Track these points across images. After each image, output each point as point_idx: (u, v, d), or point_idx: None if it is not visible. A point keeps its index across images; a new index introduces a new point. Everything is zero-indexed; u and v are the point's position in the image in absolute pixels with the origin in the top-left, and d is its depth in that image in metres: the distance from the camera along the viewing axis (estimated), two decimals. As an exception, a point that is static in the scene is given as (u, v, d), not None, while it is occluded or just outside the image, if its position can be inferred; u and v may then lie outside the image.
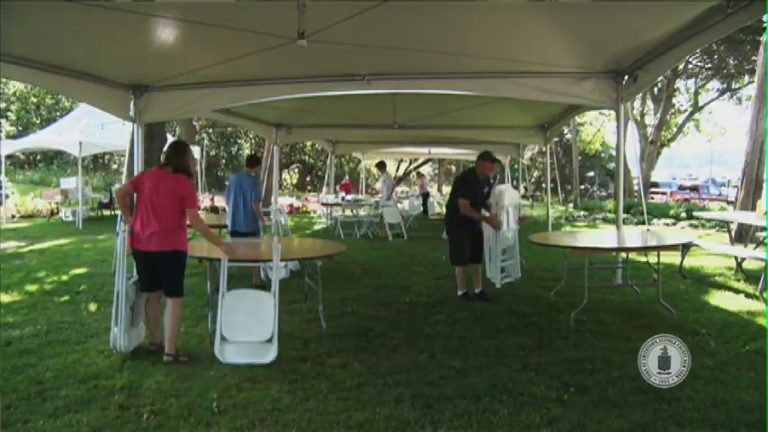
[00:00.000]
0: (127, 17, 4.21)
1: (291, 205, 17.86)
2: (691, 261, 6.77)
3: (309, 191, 31.26)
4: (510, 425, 3.23)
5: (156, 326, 4.48)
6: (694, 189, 28.29)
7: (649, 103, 27.13)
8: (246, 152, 31.57)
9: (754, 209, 10.32)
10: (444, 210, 6.83)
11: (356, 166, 31.77)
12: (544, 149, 11.78)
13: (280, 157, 11.94)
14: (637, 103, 26.03)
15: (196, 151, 17.88)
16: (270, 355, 4.17)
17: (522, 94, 6.12)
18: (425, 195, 17.06)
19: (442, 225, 8.00)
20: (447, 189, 28.16)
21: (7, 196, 14.95)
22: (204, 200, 19.16)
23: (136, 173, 7.28)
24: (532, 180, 31.55)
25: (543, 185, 19.20)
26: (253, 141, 32.15)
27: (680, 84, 25.40)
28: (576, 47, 5.23)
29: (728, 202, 22.14)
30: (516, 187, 21.83)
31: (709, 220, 13.95)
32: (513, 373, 3.99)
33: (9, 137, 22.58)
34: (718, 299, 6.06)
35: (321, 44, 4.44)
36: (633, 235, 6.33)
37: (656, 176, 28.37)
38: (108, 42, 5.10)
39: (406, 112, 9.08)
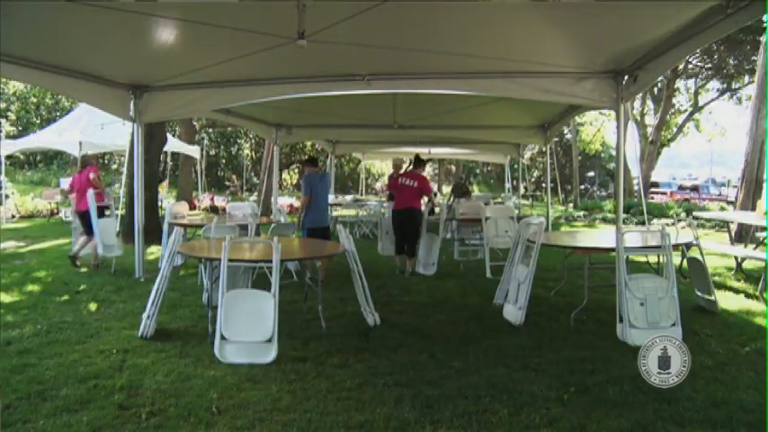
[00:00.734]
0: (127, 17, 4.21)
1: (291, 205, 17.85)
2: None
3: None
4: (510, 425, 3.23)
5: None
6: (694, 189, 28.28)
7: (649, 103, 27.14)
8: (246, 152, 31.57)
9: (754, 209, 10.32)
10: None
11: (356, 166, 31.79)
12: (544, 149, 11.79)
13: (280, 157, 11.93)
14: (637, 103, 26.04)
15: (196, 151, 17.89)
16: (270, 355, 4.17)
17: (522, 94, 6.12)
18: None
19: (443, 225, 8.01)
20: (446, 189, 28.17)
21: (7, 196, 14.94)
22: (204, 200, 19.16)
23: (136, 173, 7.30)
24: (532, 180, 31.56)
25: (543, 185, 19.21)
26: (253, 141, 32.13)
27: (680, 84, 25.43)
28: (576, 47, 5.23)
29: (728, 202, 22.15)
30: (516, 187, 21.83)
31: (708, 220, 13.95)
32: (513, 373, 3.99)
33: (9, 137, 22.56)
34: (718, 299, 6.06)
35: (321, 44, 4.45)
36: (633, 235, 6.33)
37: (656, 176, 28.36)
38: (108, 42, 5.10)
39: (406, 112, 9.08)
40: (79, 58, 5.59)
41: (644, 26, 4.60)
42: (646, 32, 4.72)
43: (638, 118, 26.43)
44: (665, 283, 4.53)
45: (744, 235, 9.40)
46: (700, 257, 5.75)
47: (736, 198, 11.71)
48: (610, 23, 4.61)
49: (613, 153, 28.38)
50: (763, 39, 11.74)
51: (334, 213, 14.04)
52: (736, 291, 6.43)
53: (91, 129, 13.47)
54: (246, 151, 31.83)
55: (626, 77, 5.77)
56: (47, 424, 3.20)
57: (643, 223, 10.74)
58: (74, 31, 4.75)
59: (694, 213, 15.13)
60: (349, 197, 16.35)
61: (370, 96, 7.06)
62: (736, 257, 7.60)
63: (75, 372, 3.97)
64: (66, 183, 16.21)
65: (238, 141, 32.63)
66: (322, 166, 9.54)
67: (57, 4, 3.99)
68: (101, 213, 7.68)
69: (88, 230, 7.78)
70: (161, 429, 3.17)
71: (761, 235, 8.36)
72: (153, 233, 8.71)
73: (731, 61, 21.55)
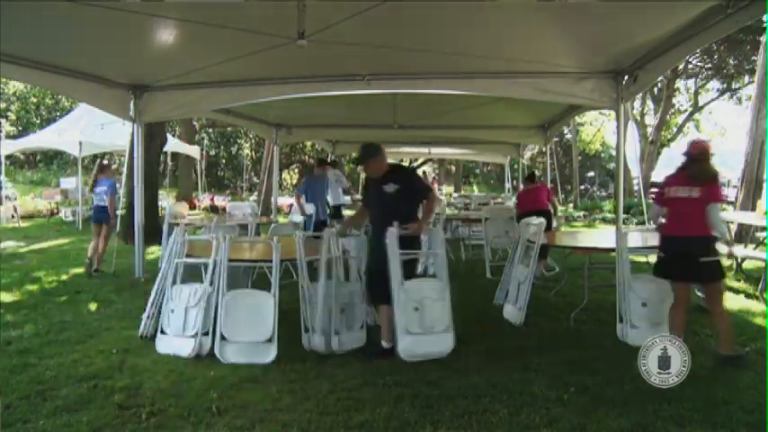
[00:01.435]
0: (127, 17, 4.21)
1: (291, 205, 17.84)
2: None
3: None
4: (510, 425, 3.22)
5: None
6: (694, 189, 28.21)
7: (649, 103, 27.14)
8: (246, 152, 31.57)
9: (754, 209, 10.32)
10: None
11: (356, 166, 31.78)
12: (544, 149, 11.78)
13: (280, 157, 11.93)
14: (637, 103, 26.03)
15: (196, 151, 17.88)
16: (270, 354, 4.16)
17: (522, 94, 6.12)
18: None
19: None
20: (447, 189, 28.19)
21: (8, 197, 14.94)
22: (204, 200, 19.15)
23: (136, 172, 7.30)
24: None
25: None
26: (253, 141, 32.13)
27: (680, 84, 25.41)
28: (576, 47, 5.22)
29: (728, 203, 22.15)
30: (516, 187, 21.82)
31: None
32: (513, 373, 3.99)
33: (9, 137, 22.56)
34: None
35: (321, 44, 4.44)
36: (633, 235, 6.33)
37: (656, 176, 28.33)
38: (108, 42, 5.10)
39: (406, 112, 9.07)
40: (79, 58, 5.59)
41: (644, 26, 4.60)
42: (646, 32, 4.72)
43: (638, 118, 26.42)
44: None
45: (744, 235, 9.40)
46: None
47: (736, 198, 11.70)
48: (610, 23, 4.60)
49: (613, 153, 28.35)
50: (763, 39, 11.74)
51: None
52: (737, 291, 6.43)
53: (91, 129, 13.49)
54: (246, 151, 31.82)
55: (626, 77, 5.77)
56: (47, 424, 3.20)
57: (643, 223, 10.73)
58: (74, 31, 4.75)
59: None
60: (348, 197, 16.32)
61: (370, 96, 7.06)
62: (735, 257, 7.60)
63: (75, 372, 3.97)
64: (66, 182, 16.23)
65: (238, 141, 32.64)
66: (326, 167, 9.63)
67: (57, 4, 3.99)
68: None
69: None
70: (161, 429, 3.17)
71: (761, 235, 8.36)
72: (153, 233, 8.71)
73: (731, 61, 21.54)
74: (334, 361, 4.24)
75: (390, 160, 4.52)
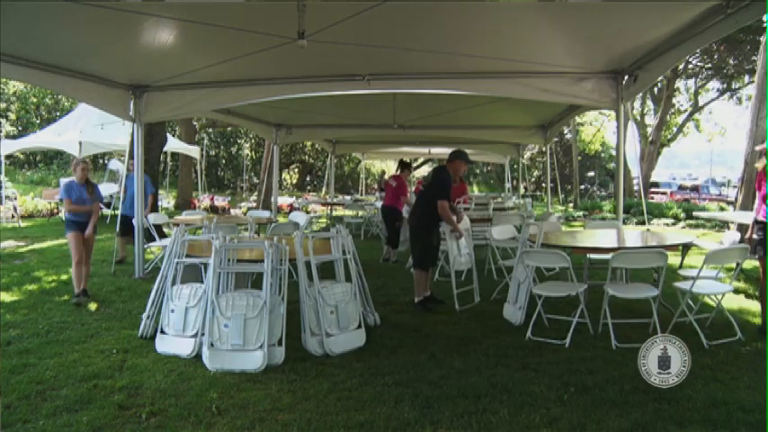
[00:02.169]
0: (127, 17, 4.21)
1: (291, 205, 17.86)
2: (690, 261, 6.77)
3: (309, 191, 31.26)
4: (510, 425, 3.22)
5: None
6: (694, 189, 28.28)
7: (649, 103, 27.14)
8: (246, 152, 31.57)
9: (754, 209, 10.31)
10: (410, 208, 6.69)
11: (356, 166, 31.79)
12: (544, 149, 11.79)
13: (280, 157, 11.94)
14: (637, 103, 26.04)
15: (196, 151, 17.88)
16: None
17: (522, 94, 6.12)
18: None
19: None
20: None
21: (8, 197, 14.94)
22: (204, 200, 19.15)
23: (136, 173, 7.30)
24: (532, 180, 31.56)
25: (543, 185, 19.23)
26: (253, 141, 32.14)
27: (680, 84, 25.42)
28: (576, 47, 5.23)
29: (728, 203, 22.14)
30: (516, 187, 21.84)
31: (708, 220, 13.95)
32: (513, 373, 3.99)
33: (9, 137, 22.56)
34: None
35: (321, 44, 4.45)
36: (633, 235, 6.32)
37: (656, 176, 28.37)
38: (108, 42, 5.11)
39: (406, 112, 9.08)
40: (79, 58, 5.59)
41: (644, 26, 4.60)
42: (646, 32, 4.73)
43: (638, 118, 26.43)
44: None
45: (743, 235, 9.40)
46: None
47: (736, 198, 11.70)
48: (610, 24, 4.61)
49: (613, 153, 28.37)
50: (763, 39, 11.74)
51: (335, 213, 14.02)
52: (737, 291, 6.43)
53: (91, 129, 13.49)
54: (246, 151, 31.82)
55: (626, 77, 5.78)
56: (47, 424, 3.20)
57: (643, 223, 10.73)
58: (74, 31, 4.76)
59: (694, 213, 15.17)
60: (348, 197, 16.37)
61: (370, 96, 7.07)
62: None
63: (75, 372, 3.97)
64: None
65: (238, 141, 32.64)
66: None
67: (57, 4, 3.99)
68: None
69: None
70: (161, 429, 3.17)
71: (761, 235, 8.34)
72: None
73: (731, 61, 21.54)
74: (334, 361, 4.24)
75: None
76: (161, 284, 4.79)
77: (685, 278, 5.27)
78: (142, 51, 5.36)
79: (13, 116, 27.29)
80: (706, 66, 23.01)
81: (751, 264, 7.55)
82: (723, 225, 8.84)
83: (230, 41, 4.92)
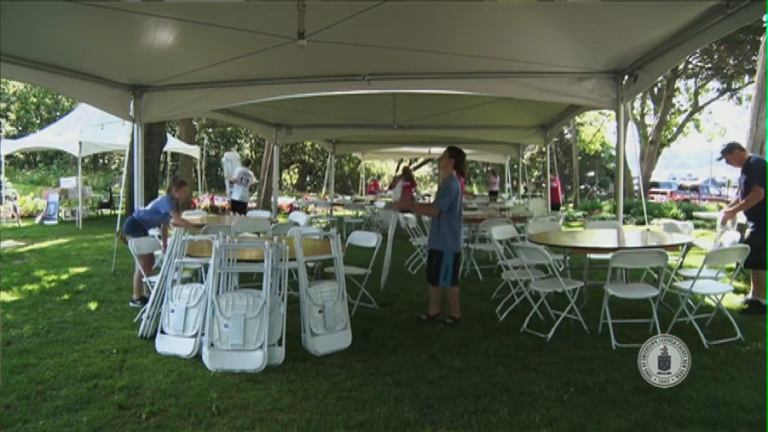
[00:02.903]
0: (127, 17, 4.21)
1: (291, 205, 17.86)
2: (690, 261, 6.78)
3: (309, 191, 31.27)
4: (510, 425, 3.23)
5: None
6: (694, 189, 28.28)
7: (649, 103, 27.15)
8: (246, 152, 31.60)
9: (754, 209, 10.30)
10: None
11: (356, 166, 31.79)
12: (544, 149, 11.79)
13: (280, 157, 11.94)
14: (637, 103, 26.04)
15: (196, 151, 17.89)
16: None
17: (522, 94, 6.12)
18: None
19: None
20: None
21: (8, 197, 14.94)
22: (204, 200, 19.16)
23: (136, 173, 7.30)
24: (532, 180, 31.55)
25: (543, 185, 19.22)
26: (253, 141, 32.15)
27: (680, 84, 25.42)
28: (576, 47, 5.23)
29: (728, 203, 22.15)
30: (516, 187, 21.82)
31: (708, 220, 13.94)
32: (513, 373, 3.99)
33: (9, 137, 22.57)
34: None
35: (321, 44, 4.45)
36: (633, 235, 6.32)
37: (656, 176, 28.36)
38: (108, 42, 5.10)
39: (406, 112, 9.08)
40: (79, 58, 5.59)
41: (644, 26, 4.60)
42: (646, 32, 4.73)
43: (638, 118, 26.43)
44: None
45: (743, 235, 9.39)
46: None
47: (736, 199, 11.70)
48: (610, 23, 4.61)
49: (613, 153, 28.38)
50: (763, 39, 11.74)
51: (336, 213, 14.02)
52: (737, 291, 6.42)
53: (91, 129, 13.49)
54: (246, 151, 31.83)
55: (626, 77, 5.77)
56: (47, 424, 3.20)
57: (643, 223, 10.73)
58: (74, 30, 4.75)
59: (694, 213, 15.17)
60: (348, 197, 16.37)
61: (370, 96, 7.07)
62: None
63: (75, 372, 3.97)
64: (66, 182, 16.23)
65: (238, 141, 32.65)
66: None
67: (57, 4, 3.99)
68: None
69: None
70: (161, 429, 3.17)
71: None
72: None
73: (731, 61, 21.55)
74: (334, 361, 4.24)
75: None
76: (161, 284, 4.79)
77: (685, 278, 5.28)
78: (142, 51, 5.36)
79: (13, 116, 27.31)
80: (706, 66, 23.02)
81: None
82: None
83: (230, 41, 4.92)
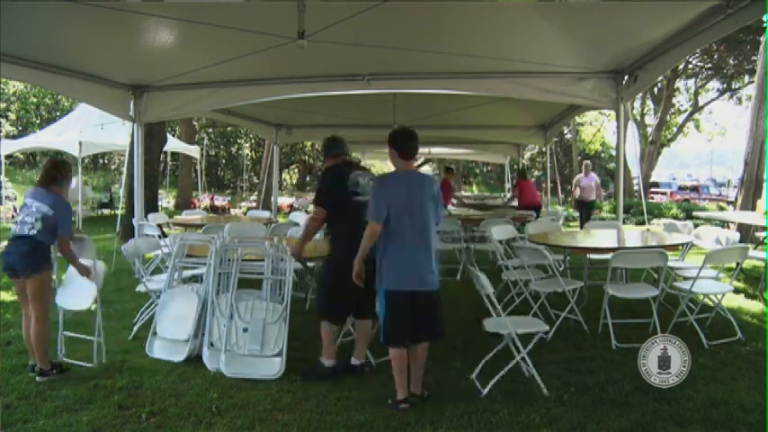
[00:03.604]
0: (127, 17, 4.21)
1: (291, 205, 17.87)
2: (690, 261, 6.79)
3: (309, 191, 31.26)
4: (510, 425, 3.22)
5: None
6: (694, 189, 28.27)
7: (649, 103, 27.13)
8: (246, 152, 31.60)
9: (754, 209, 10.31)
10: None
11: (356, 166, 31.73)
12: (544, 149, 11.78)
13: (280, 157, 11.93)
14: (637, 103, 26.02)
15: (196, 151, 17.89)
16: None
17: (522, 94, 6.12)
18: None
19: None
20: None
21: (8, 197, 14.94)
22: (204, 199, 19.17)
23: (136, 173, 7.30)
24: (532, 180, 31.56)
25: (543, 185, 19.23)
26: (253, 141, 32.14)
27: (680, 84, 25.40)
28: (576, 47, 5.23)
29: (728, 203, 22.15)
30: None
31: (708, 220, 13.95)
32: (513, 373, 3.99)
33: (9, 137, 22.56)
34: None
35: (321, 44, 4.44)
36: (633, 235, 6.33)
37: (656, 176, 28.34)
38: (108, 42, 5.10)
39: (406, 112, 9.08)
40: (79, 58, 5.58)
41: (644, 26, 4.60)
42: (646, 32, 4.72)
43: (638, 118, 26.41)
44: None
45: (744, 235, 9.40)
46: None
47: (736, 198, 11.70)
48: (610, 24, 4.61)
49: (613, 153, 28.35)
50: (763, 39, 11.74)
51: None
52: (737, 291, 6.42)
53: (91, 129, 13.48)
54: (246, 151, 31.82)
55: (626, 77, 5.77)
56: (47, 424, 3.20)
57: (643, 223, 10.73)
58: (74, 30, 4.75)
59: (694, 213, 15.16)
60: None
61: (370, 96, 7.06)
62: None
63: (75, 372, 3.97)
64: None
65: (238, 141, 32.64)
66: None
67: (57, 4, 3.99)
68: None
69: None
70: (161, 429, 3.17)
71: (761, 235, 8.36)
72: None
73: (731, 61, 21.54)
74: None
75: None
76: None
77: (685, 278, 5.28)
78: (142, 51, 5.36)
79: (13, 116, 27.29)
80: (706, 66, 23.00)
81: (751, 263, 7.56)
82: (723, 225, 8.83)
83: (230, 41, 4.92)
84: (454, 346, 4.59)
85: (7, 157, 16.61)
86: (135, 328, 4.87)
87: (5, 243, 4.02)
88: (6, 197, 14.95)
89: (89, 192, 16.69)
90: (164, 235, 8.77)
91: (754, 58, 18.25)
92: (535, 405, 3.45)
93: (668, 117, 25.58)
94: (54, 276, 4.34)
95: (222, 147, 33.01)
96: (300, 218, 7.86)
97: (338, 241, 3.89)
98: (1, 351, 4.39)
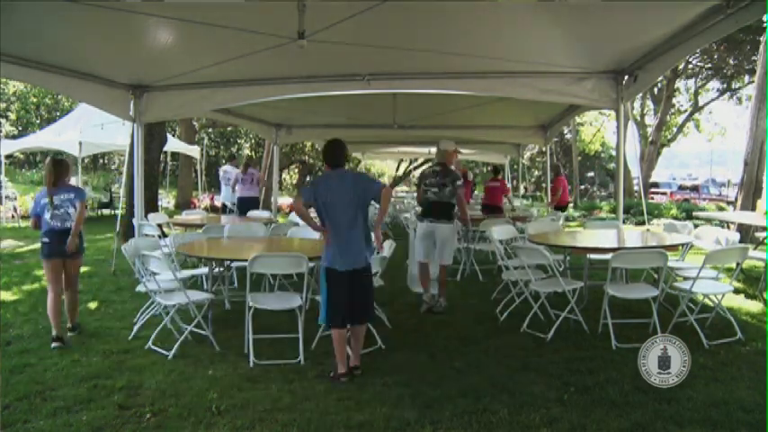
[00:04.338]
0: (127, 17, 4.21)
1: (291, 205, 17.86)
2: (690, 261, 6.79)
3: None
4: (510, 425, 3.23)
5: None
6: (694, 189, 28.27)
7: (649, 103, 27.14)
8: (246, 152, 31.59)
9: (753, 209, 10.32)
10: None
11: (356, 166, 31.78)
12: (544, 149, 11.78)
13: (280, 157, 11.93)
14: (637, 104, 26.04)
15: (196, 151, 17.88)
16: None
17: (522, 94, 6.12)
18: None
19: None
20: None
21: (8, 197, 14.94)
22: (204, 199, 19.17)
23: (136, 173, 7.30)
24: (532, 180, 31.57)
25: (543, 185, 19.24)
26: (253, 141, 32.14)
27: (680, 84, 25.40)
28: (576, 47, 5.23)
29: (728, 203, 22.15)
30: (516, 187, 21.81)
31: (708, 221, 13.94)
32: (513, 372, 3.99)
33: (9, 137, 22.57)
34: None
35: (321, 44, 4.44)
36: (633, 235, 6.33)
37: (656, 176, 28.35)
38: (108, 42, 5.10)
39: (406, 112, 9.08)
40: (79, 58, 5.59)
41: (644, 26, 4.60)
42: (646, 33, 4.73)
43: (638, 118, 26.42)
44: None
45: (743, 235, 9.40)
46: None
47: (736, 198, 11.70)
48: (610, 24, 4.61)
49: (613, 153, 28.36)
50: (763, 39, 11.74)
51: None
52: (737, 291, 6.42)
53: (91, 129, 13.48)
54: (246, 151, 31.82)
55: (626, 77, 5.77)
56: (47, 424, 3.20)
57: (643, 223, 10.73)
58: (74, 30, 4.75)
59: (694, 213, 15.15)
60: None
61: (370, 96, 7.06)
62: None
63: (75, 372, 3.97)
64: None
65: (238, 141, 32.64)
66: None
67: (57, 4, 3.99)
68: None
69: None
70: (161, 429, 3.17)
71: (761, 235, 8.36)
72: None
73: (731, 61, 21.54)
74: (333, 361, 4.23)
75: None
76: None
77: (685, 278, 5.28)
78: (142, 51, 5.36)
79: (13, 116, 27.30)
80: (706, 66, 23.00)
81: (751, 263, 7.56)
82: (723, 225, 8.84)
83: (230, 41, 4.92)
84: (454, 346, 4.59)
85: (7, 157, 16.61)
86: (135, 328, 4.87)
87: (45, 239, 4.67)
88: (6, 197, 14.94)
89: (89, 192, 16.68)
90: (164, 235, 8.78)
91: (754, 58, 18.25)
92: (535, 405, 3.45)
93: (668, 117, 25.58)
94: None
95: (222, 147, 32.99)
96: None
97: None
98: (1, 351, 4.38)
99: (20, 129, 26.40)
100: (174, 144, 16.76)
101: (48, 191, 4.67)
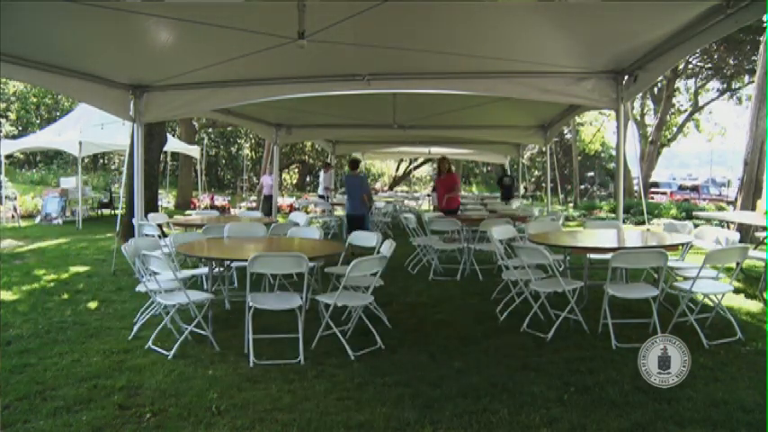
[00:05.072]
0: (127, 17, 4.21)
1: (291, 205, 17.86)
2: (690, 261, 6.79)
3: (309, 191, 31.26)
4: (510, 425, 3.22)
5: None
6: (694, 189, 28.27)
7: (649, 103, 27.15)
8: (246, 152, 31.59)
9: (754, 209, 10.32)
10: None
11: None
12: (544, 149, 11.78)
13: (280, 157, 11.94)
14: (637, 104, 26.05)
15: (196, 151, 17.88)
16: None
17: (522, 94, 6.13)
18: None
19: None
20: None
21: (8, 197, 14.94)
22: (204, 199, 19.17)
23: (136, 172, 7.30)
24: (532, 180, 31.57)
25: (543, 185, 19.25)
26: (253, 141, 32.14)
27: (680, 84, 25.41)
28: (576, 47, 5.23)
29: (728, 203, 22.15)
30: (516, 187, 21.76)
31: (708, 221, 13.95)
32: (513, 372, 3.99)
33: (9, 137, 22.57)
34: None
35: (321, 44, 4.45)
36: (633, 235, 6.33)
37: (656, 176, 28.36)
38: (108, 42, 5.11)
39: (406, 112, 9.09)
40: (79, 58, 5.59)
41: (644, 26, 4.60)
42: (646, 32, 4.73)
43: (638, 118, 26.43)
44: None
45: (743, 235, 9.40)
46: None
47: (736, 198, 11.71)
48: (610, 24, 4.61)
49: (613, 153, 28.37)
50: (763, 39, 11.74)
51: (336, 213, 14.01)
52: (737, 290, 6.42)
53: (91, 129, 13.49)
54: (246, 151, 31.83)
55: (626, 77, 5.77)
56: (47, 424, 3.20)
57: (643, 223, 10.73)
58: (74, 31, 4.76)
59: (694, 213, 15.16)
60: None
61: (370, 96, 7.07)
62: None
63: (75, 372, 3.97)
64: (66, 182, 16.21)
65: (238, 141, 32.65)
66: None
67: (57, 4, 3.99)
68: None
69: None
70: (161, 429, 3.17)
71: (761, 235, 8.36)
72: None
73: (731, 61, 21.54)
74: (333, 361, 4.23)
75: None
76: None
77: (685, 278, 5.29)
78: (142, 51, 5.36)
79: (13, 116, 27.30)
80: (706, 66, 23.02)
81: (751, 263, 7.56)
82: (723, 225, 8.84)
83: (230, 41, 4.92)
84: (454, 346, 4.59)
85: (7, 157, 16.62)
86: (135, 328, 4.87)
87: None
88: (6, 197, 14.94)
89: (89, 192, 16.68)
90: (164, 235, 8.79)
91: (754, 58, 18.26)
92: (535, 405, 3.45)
93: (668, 117, 25.59)
94: None
95: (222, 147, 33.00)
96: (300, 218, 7.86)
97: None
98: (1, 351, 4.38)
99: (20, 129, 26.40)
100: (173, 144, 16.77)
101: None
